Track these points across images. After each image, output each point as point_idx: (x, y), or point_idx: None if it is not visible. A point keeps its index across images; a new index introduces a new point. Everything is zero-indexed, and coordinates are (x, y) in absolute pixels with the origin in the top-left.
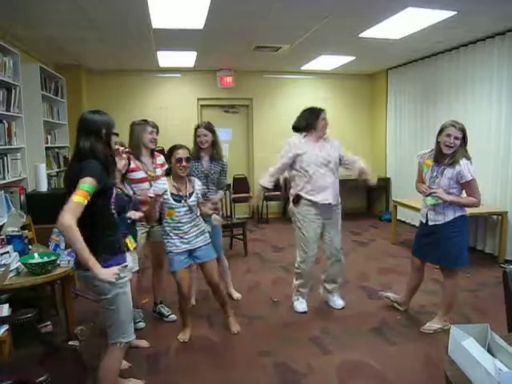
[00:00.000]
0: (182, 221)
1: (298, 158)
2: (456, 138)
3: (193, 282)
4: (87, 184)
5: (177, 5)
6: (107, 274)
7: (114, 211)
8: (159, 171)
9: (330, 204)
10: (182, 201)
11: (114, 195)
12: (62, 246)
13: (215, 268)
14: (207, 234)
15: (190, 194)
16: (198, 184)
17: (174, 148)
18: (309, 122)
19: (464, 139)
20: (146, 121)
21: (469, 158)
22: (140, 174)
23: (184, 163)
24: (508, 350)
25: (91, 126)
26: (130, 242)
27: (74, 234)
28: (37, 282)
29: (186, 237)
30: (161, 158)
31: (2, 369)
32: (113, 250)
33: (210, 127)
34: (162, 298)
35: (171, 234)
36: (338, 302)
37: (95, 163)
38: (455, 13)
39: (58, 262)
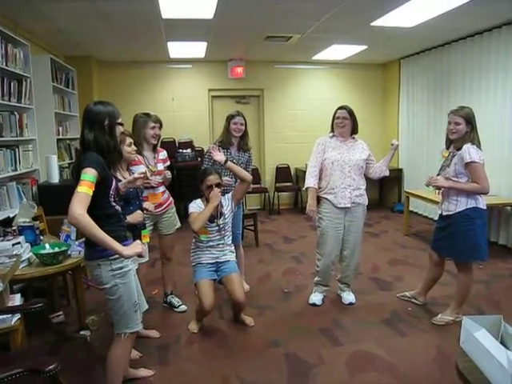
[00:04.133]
0: (213, 238)
1: (324, 155)
2: (457, 123)
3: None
4: (88, 174)
5: None
6: (130, 250)
7: (113, 203)
8: (161, 166)
9: (348, 207)
10: (215, 221)
11: (114, 187)
12: (73, 236)
13: (239, 283)
14: (233, 249)
15: (221, 214)
16: (226, 203)
17: (205, 173)
18: (332, 121)
19: (471, 125)
20: (148, 114)
21: (475, 143)
22: (141, 168)
23: (215, 189)
24: None
25: (94, 116)
26: (144, 235)
27: (87, 221)
28: (48, 272)
29: (214, 251)
30: (163, 154)
31: (14, 357)
32: (116, 239)
33: (244, 117)
34: (173, 289)
35: (200, 248)
36: (346, 297)
37: (96, 155)
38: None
39: (69, 252)
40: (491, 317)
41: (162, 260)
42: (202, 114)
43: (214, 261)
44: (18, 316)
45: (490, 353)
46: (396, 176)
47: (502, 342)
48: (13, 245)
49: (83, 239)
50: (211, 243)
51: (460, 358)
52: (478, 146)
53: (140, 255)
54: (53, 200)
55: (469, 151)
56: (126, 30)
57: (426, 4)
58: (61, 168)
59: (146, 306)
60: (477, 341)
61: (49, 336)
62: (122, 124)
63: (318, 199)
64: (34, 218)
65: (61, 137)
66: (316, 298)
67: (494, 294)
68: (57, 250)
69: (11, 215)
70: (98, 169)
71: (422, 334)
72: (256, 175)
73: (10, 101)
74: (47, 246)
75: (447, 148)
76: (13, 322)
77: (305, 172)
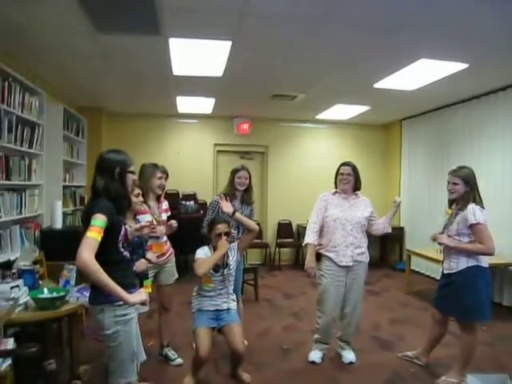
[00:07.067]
0: (216, 288)
1: (326, 211)
2: (455, 183)
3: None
4: (98, 220)
5: (198, 53)
6: (135, 297)
7: (122, 249)
8: (164, 216)
9: (350, 265)
10: (220, 270)
11: (123, 233)
12: (72, 282)
13: (239, 332)
14: (235, 298)
15: (227, 264)
16: (232, 254)
17: (214, 222)
18: (335, 177)
19: (470, 185)
20: (156, 165)
21: (478, 203)
22: (147, 217)
23: (223, 237)
24: None
25: (106, 164)
26: (147, 285)
27: (95, 266)
28: (45, 316)
29: (216, 299)
30: (165, 204)
31: None
32: (124, 286)
33: (249, 171)
34: (169, 341)
35: (201, 295)
36: (347, 356)
37: (106, 201)
38: (467, 65)
39: (67, 298)
40: (497, 375)
41: (160, 311)
42: (206, 167)
43: (214, 308)
44: (8, 361)
45: None
46: (397, 234)
47: None
48: (11, 288)
49: (82, 285)
50: (214, 292)
51: None
52: (481, 206)
53: (144, 303)
54: (54, 245)
55: (474, 212)
56: (138, 84)
57: (426, 69)
58: (64, 214)
59: (144, 357)
60: None
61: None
62: (133, 172)
63: (319, 256)
64: (35, 262)
65: (67, 184)
66: (315, 355)
67: (500, 356)
68: (55, 294)
69: (12, 258)
70: (107, 215)
71: None
72: (258, 231)
73: (21, 146)
74: (46, 290)
75: (449, 207)
76: (3, 368)
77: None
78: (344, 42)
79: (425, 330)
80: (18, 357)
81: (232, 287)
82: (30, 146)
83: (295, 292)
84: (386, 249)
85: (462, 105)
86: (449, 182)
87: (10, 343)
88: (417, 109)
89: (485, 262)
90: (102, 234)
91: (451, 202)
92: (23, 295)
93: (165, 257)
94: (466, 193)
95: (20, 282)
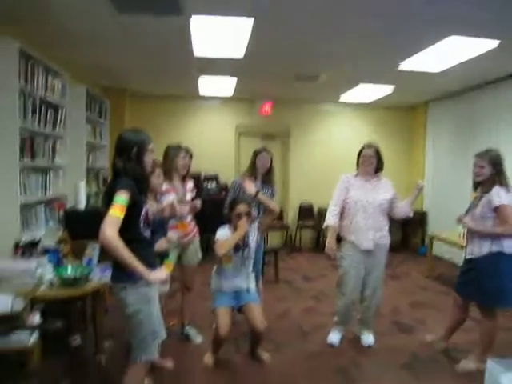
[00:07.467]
0: (236, 267)
1: (347, 194)
2: (481, 166)
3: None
4: (120, 197)
5: (219, 35)
6: (156, 275)
7: (143, 228)
8: (189, 196)
9: (371, 249)
10: (240, 250)
11: (144, 212)
12: (95, 260)
13: (259, 311)
14: (254, 278)
15: (247, 244)
16: (252, 234)
17: (235, 202)
18: (357, 159)
19: (496, 168)
20: (180, 146)
21: (504, 185)
22: (171, 197)
23: (244, 218)
24: None
25: (124, 144)
26: (167, 264)
27: (118, 243)
28: (68, 294)
29: (235, 279)
30: (190, 184)
31: (29, 374)
32: (144, 265)
33: (271, 153)
34: (190, 320)
35: (221, 275)
36: (366, 339)
37: (128, 180)
38: (498, 42)
39: (90, 276)
40: None
41: (182, 291)
42: (228, 149)
43: (234, 288)
44: (35, 335)
45: None
46: (420, 218)
47: None
48: (36, 266)
49: (105, 264)
50: (233, 271)
51: None
52: (508, 188)
53: (164, 281)
54: (78, 225)
55: (498, 194)
56: (162, 66)
57: (455, 48)
58: (88, 195)
59: (165, 335)
60: None
61: (64, 358)
62: (152, 151)
63: (340, 238)
64: (59, 241)
65: (90, 165)
66: (334, 337)
67: None
68: (79, 273)
69: (37, 237)
70: (130, 193)
71: (443, 380)
72: (279, 213)
73: (45, 128)
74: (69, 268)
75: (474, 190)
76: (31, 341)
77: None
78: (370, 17)
79: (445, 315)
80: (44, 332)
81: (251, 267)
82: (54, 128)
83: (315, 274)
84: (408, 233)
85: (490, 87)
86: (475, 165)
87: (36, 319)
88: (443, 91)
89: (509, 248)
90: (125, 212)
91: (476, 186)
92: (48, 273)
93: (189, 237)
94: (492, 176)
95: (45, 260)
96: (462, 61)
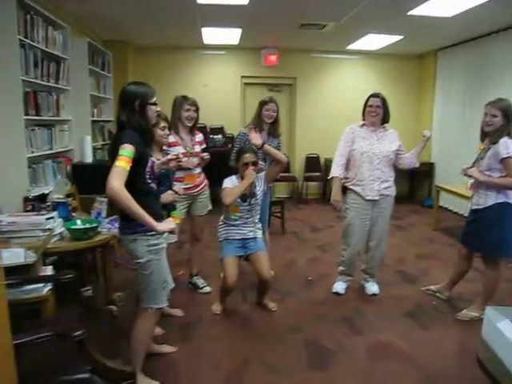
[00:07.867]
0: (243, 216)
1: (353, 144)
2: (493, 115)
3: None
4: (126, 150)
5: None
6: (164, 226)
7: (149, 180)
8: (198, 148)
9: (376, 199)
10: (247, 200)
11: (149, 165)
12: (104, 213)
13: (266, 260)
14: (261, 227)
15: (254, 194)
16: (259, 184)
17: (241, 151)
18: (363, 109)
19: (507, 118)
20: (185, 97)
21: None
22: (178, 150)
23: (250, 167)
24: None
25: (127, 97)
26: (174, 216)
27: (124, 194)
28: (78, 246)
29: (242, 228)
30: (200, 136)
31: (44, 323)
32: (152, 217)
33: (277, 104)
34: (199, 270)
35: (228, 224)
36: (370, 288)
37: (133, 132)
38: None
39: (99, 229)
40: None
41: (192, 241)
42: (234, 100)
43: (241, 237)
44: (49, 286)
45: None
46: (427, 170)
47: None
48: (46, 219)
49: (113, 217)
50: (240, 221)
51: (481, 348)
52: None
53: (172, 232)
54: (85, 179)
55: (506, 145)
56: (163, 15)
57: None
58: (94, 149)
59: (173, 285)
60: (499, 332)
61: (77, 308)
62: (155, 104)
63: (345, 189)
64: (67, 195)
65: (95, 118)
66: (339, 286)
67: None
68: (88, 225)
69: (46, 192)
70: (135, 145)
71: (446, 328)
72: (287, 162)
73: (48, 81)
74: (79, 221)
75: (481, 141)
76: (44, 292)
77: None
78: None
79: (450, 266)
80: (57, 283)
81: (258, 217)
82: (57, 81)
83: (321, 225)
84: (415, 184)
85: (502, 34)
86: (486, 114)
87: (49, 270)
88: (454, 38)
89: None
90: (131, 164)
91: (484, 136)
92: (58, 226)
93: (198, 188)
94: (502, 126)
95: (55, 213)
96: (476, 4)
